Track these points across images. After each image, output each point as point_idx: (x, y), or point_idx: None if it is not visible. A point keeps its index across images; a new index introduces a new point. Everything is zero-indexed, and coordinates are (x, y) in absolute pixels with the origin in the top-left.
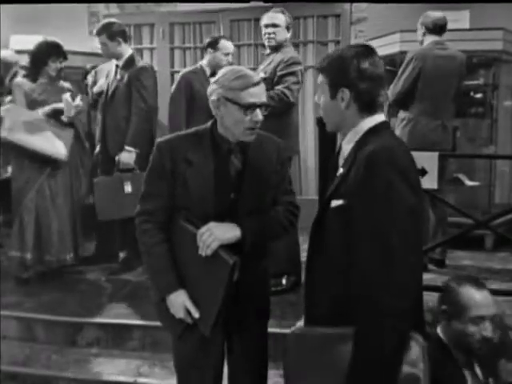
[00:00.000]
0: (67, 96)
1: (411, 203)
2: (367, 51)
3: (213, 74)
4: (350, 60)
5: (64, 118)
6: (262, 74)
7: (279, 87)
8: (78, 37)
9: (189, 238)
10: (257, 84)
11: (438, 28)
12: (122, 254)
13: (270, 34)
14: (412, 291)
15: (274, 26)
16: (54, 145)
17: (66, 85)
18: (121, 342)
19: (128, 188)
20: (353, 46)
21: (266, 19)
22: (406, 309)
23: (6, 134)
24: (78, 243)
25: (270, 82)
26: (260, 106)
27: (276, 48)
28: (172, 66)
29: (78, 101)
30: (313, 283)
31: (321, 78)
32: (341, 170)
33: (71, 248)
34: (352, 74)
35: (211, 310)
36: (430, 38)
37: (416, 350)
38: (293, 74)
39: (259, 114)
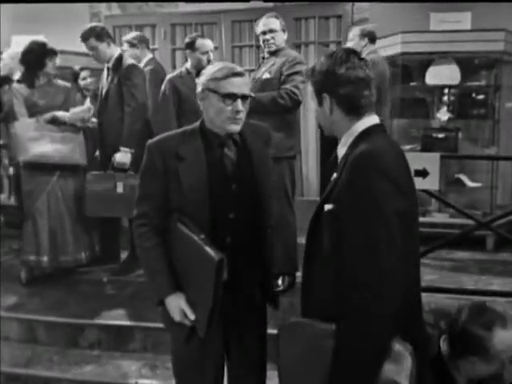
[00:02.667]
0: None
1: (397, 206)
2: (345, 55)
3: (198, 74)
4: (327, 66)
5: (79, 123)
6: (266, 75)
7: (287, 86)
8: (79, 38)
9: (182, 240)
10: (238, 75)
11: (375, 38)
12: (123, 255)
13: (268, 40)
14: (397, 296)
15: (271, 31)
16: (69, 150)
17: (67, 84)
18: (122, 344)
19: (120, 188)
20: (332, 51)
21: (261, 26)
22: (389, 314)
23: (24, 158)
24: (93, 242)
25: (277, 82)
26: (241, 97)
27: (276, 52)
28: (174, 66)
29: (89, 103)
30: (308, 285)
31: (309, 85)
32: (334, 175)
33: (86, 247)
34: (330, 80)
35: (204, 311)
36: (371, 47)
37: (406, 359)
38: (299, 73)
39: (239, 105)
